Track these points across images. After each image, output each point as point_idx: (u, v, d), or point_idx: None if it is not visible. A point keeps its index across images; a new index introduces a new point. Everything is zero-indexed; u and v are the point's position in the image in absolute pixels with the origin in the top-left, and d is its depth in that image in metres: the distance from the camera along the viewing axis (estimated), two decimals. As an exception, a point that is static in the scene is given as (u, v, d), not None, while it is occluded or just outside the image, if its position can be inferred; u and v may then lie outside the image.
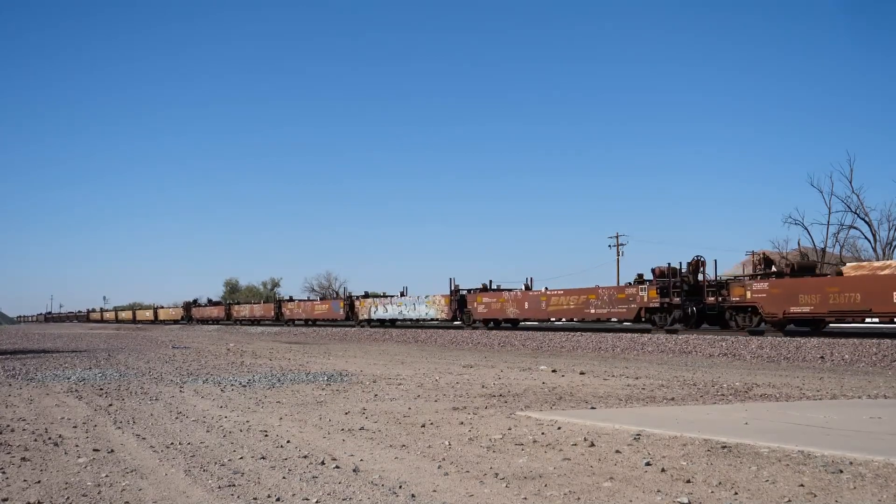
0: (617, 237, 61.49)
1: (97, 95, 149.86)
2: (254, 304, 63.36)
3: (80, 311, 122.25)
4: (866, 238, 48.85)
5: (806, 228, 62.74)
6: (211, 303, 73.82)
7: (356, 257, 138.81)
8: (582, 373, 13.83)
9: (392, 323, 41.25)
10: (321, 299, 56.57)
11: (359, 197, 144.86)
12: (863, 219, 48.28)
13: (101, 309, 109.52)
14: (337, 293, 74.93)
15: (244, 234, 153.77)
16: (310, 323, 50.66)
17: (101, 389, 11.28)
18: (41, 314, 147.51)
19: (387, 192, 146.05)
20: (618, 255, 61.25)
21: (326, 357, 19.50)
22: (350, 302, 45.71)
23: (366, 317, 42.50)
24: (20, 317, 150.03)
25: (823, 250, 50.15)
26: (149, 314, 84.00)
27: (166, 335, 41.04)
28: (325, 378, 12.86)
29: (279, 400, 9.75)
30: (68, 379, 13.05)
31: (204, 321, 66.84)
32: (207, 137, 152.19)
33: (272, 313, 55.74)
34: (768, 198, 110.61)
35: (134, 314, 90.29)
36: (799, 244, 53.59)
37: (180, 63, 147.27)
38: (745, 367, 15.46)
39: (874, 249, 47.56)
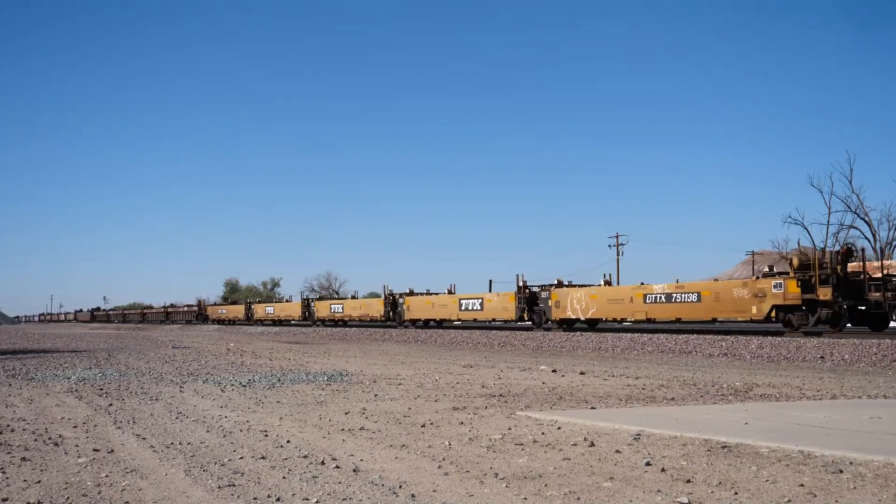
0: (617, 237, 61.56)
1: (97, 95, 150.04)
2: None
3: (160, 305, 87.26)
4: (866, 238, 48.87)
5: (806, 228, 62.71)
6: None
7: (356, 257, 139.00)
8: (582, 373, 13.83)
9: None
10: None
11: (359, 197, 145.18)
12: (863, 219, 48.34)
13: (237, 299, 76.27)
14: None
15: (244, 234, 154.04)
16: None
17: (102, 389, 11.28)
18: (83, 310, 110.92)
19: (387, 193, 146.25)
20: (618, 255, 61.31)
21: (326, 357, 19.50)
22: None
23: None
24: (42, 315, 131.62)
25: (823, 250, 50.11)
26: (284, 311, 56.62)
27: (166, 335, 41.05)
28: (325, 378, 12.85)
29: (279, 400, 9.74)
30: (68, 379, 13.05)
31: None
32: (208, 137, 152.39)
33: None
34: (768, 198, 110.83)
35: (249, 310, 61.41)
36: (799, 244, 53.52)
37: (180, 63, 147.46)
38: (745, 367, 15.45)
39: (874, 249, 47.60)
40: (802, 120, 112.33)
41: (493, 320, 35.30)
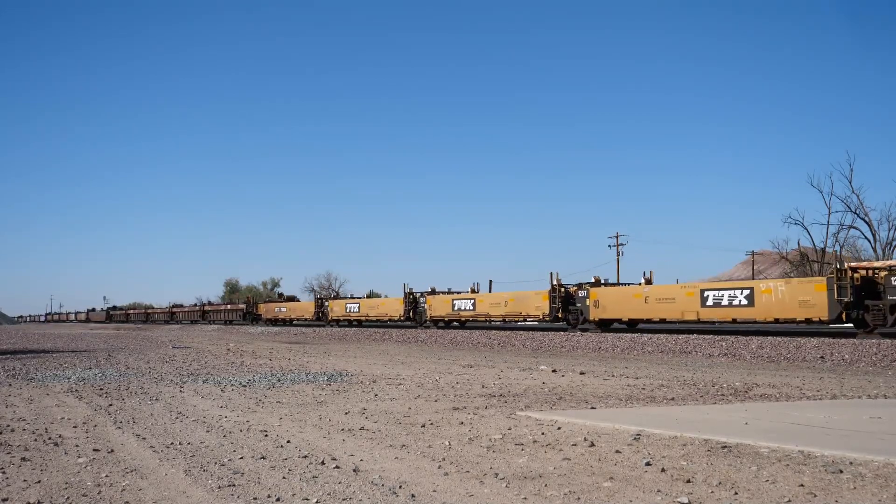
0: (617, 237, 61.59)
1: (97, 95, 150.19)
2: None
3: (190, 304, 76.97)
4: (866, 238, 48.91)
5: (806, 228, 62.88)
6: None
7: (356, 257, 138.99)
8: (582, 373, 13.83)
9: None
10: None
11: (359, 197, 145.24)
12: (863, 219, 48.34)
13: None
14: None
15: (244, 234, 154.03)
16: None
17: (101, 389, 11.28)
18: (96, 309, 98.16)
19: (387, 192, 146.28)
20: (618, 255, 61.36)
21: (326, 357, 19.50)
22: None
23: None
24: (49, 315, 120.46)
25: (823, 250, 50.15)
26: (375, 309, 45.34)
27: (166, 335, 41.04)
28: (325, 378, 12.85)
29: (279, 400, 9.74)
30: (68, 379, 13.05)
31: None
32: (207, 137, 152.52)
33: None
34: (768, 198, 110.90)
35: (321, 307, 50.80)
36: (799, 244, 53.61)
37: (181, 63, 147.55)
38: (745, 367, 15.46)
39: (874, 249, 47.61)
40: (802, 120, 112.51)
41: (776, 320, 22.38)
